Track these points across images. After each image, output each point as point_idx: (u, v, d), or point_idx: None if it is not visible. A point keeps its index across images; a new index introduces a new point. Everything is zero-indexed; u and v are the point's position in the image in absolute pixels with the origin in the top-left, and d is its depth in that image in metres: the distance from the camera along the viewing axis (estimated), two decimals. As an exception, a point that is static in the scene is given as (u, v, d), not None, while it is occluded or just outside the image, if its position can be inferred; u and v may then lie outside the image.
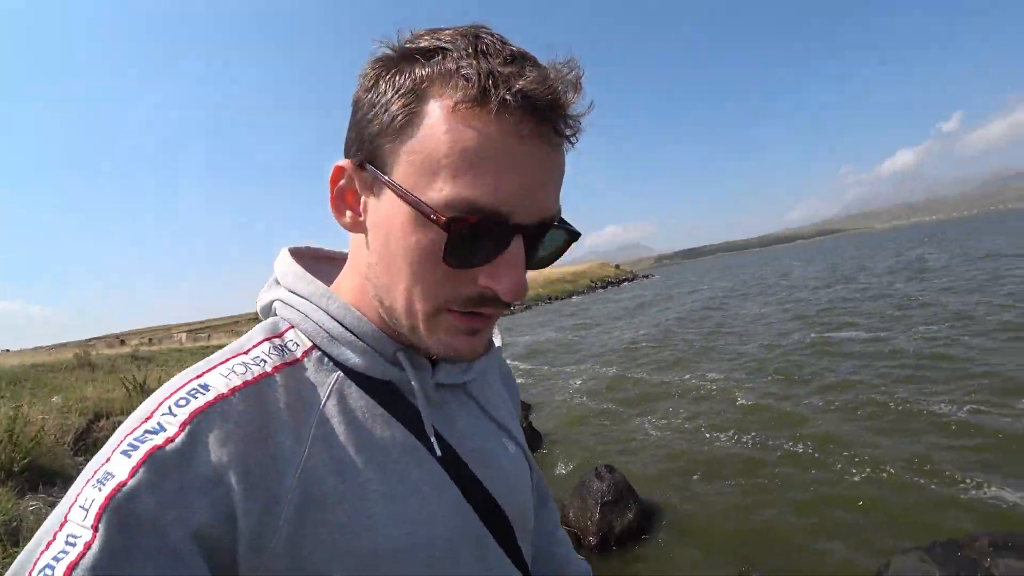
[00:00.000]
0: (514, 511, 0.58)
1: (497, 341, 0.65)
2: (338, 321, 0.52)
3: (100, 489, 0.38)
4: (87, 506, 0.38)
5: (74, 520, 0.37)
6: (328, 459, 0.46)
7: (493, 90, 0.42)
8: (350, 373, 0.51)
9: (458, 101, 0.43)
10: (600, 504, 4.16)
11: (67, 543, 0.36)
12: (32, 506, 3.59)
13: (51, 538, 0.38)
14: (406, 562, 0.46)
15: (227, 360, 0.48)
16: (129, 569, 0.36)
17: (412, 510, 0.48)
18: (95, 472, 0.40)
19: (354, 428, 0.49)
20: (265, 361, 0.49)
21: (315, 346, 0.52)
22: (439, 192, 0.43)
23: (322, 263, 0.63)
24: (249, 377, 0.47)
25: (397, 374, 0.52)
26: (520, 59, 0.45)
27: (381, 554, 0.45)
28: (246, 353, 0.49)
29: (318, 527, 0.44)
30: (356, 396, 0.50)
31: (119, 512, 0.37)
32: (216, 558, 0.39)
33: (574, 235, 0.51)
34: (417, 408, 0.52)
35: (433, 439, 0.51)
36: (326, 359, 0.52)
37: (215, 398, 0.44)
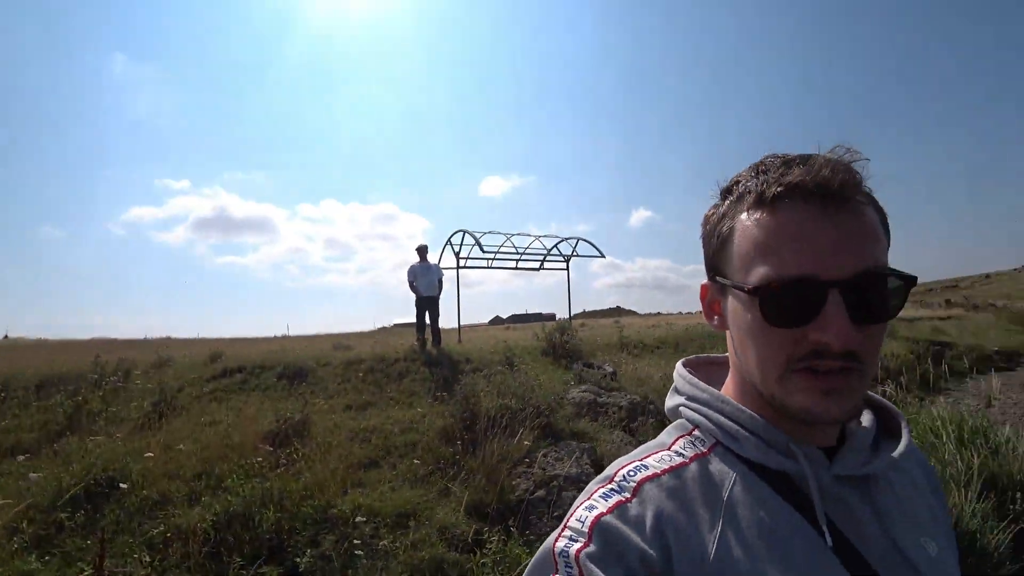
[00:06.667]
0: None
1: (902, 443, 0.66)
2: (734, 421, 0.62)
3: (589, 512, 0.57)
4: (583, 519, 0.56)
5: (573, 527, 0.56)
6: (735, 537, 0.55)
7: (767, 191, 0.56)
8: (749, 464, 0.60)
9: (748, 208, 0.58)
10: None
11: (571, 540, 0.55)
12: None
13: (561, 530, 0.57)
14: None
15: (657, 452, 0.64)
16: (603, 566, 0.52)
17: None
18: (584, 502, 0.59)
19: (755, 513, 0.57)
20: (683, 454, 0.63)
21: (719, 442, 0.63)
22: (753, 276, 0.56)
23: (710, 367, 0.76)
24: (674, 463, 0.61)
25: (792, 466, 0.59)
26: (790, 162, 0.57)
27: None
28: (669, 449, 0.64)
29: None
30: (756, 485, 0.59)
31: (601, 530, 0.55)
32: None
33: (907, 280, 0.56)
34: (811, 498, 0.58)
35: (825, 528, 0.56)
36: (729, 453, 0.61)
37: (653, 474, 0.60)
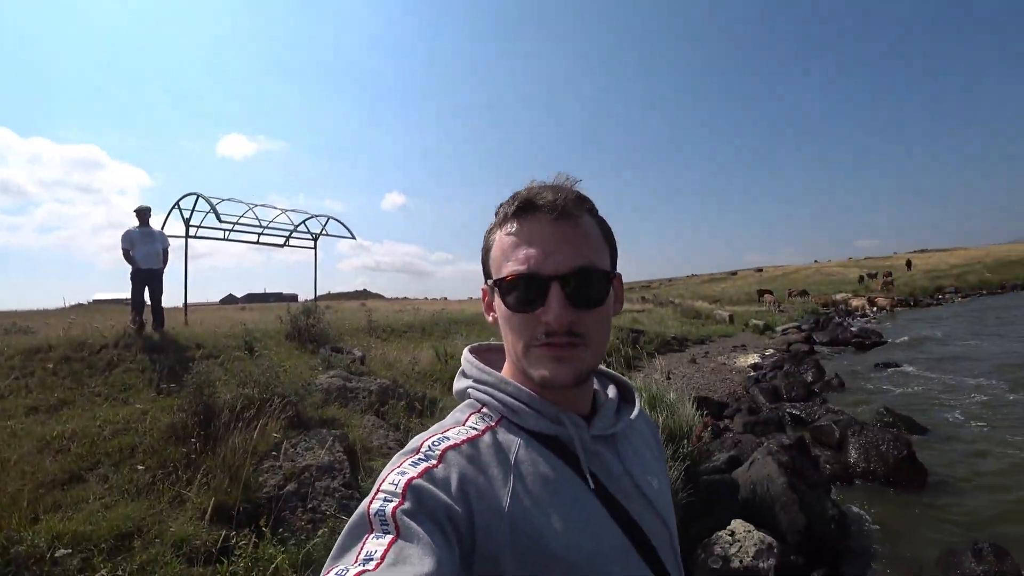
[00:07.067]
0: (654, 533, 0.75)
1: (636, 408, 0.86)
2: (514, 398, 0.75)
3: (401, 476, 0.63)
4: (396, 483, 0.62)
5: (386, 490, 0.61)
6: (523, 490, 0.68)
7: (509, 210, 0.74)
8: (529, 432, 0.74)
9: (501, 225, 0.75)
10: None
11: (385, 500, 0.60)
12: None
13: (374, 494, 0.62)
14: (572, 563, 0.65)
15: (454, 427, 0.74)
16: (417, 520, 0.58)
17: (578, 528, 0.67)
18: (394, 469, 0.65)
19: (536, 470, 0.70)
20: (476, 427, 0.74)
21: (503, 416, 0.76)
22: (501, 274, 0.73)
23: (490, 353, 0.88)
24: (470, 435, 0.72)
25: (561, 431, 0.74)
26: (536, 187, 0.75)
27: (557, 556, 0.65)
28: (464, 424, 0.75)
29: (524, 535, 0.65)
30: (536, 448, 0.73)
31: (414, 490, 0.61)
32: (459, 532, 0.61)
33: (607, 275, 0.74)
34: (577, 454, 0.73)
35: (588, 477, 0.72)
36: (512, 424, 0.75)
37: (454, 444, 0.70)
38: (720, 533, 3.81)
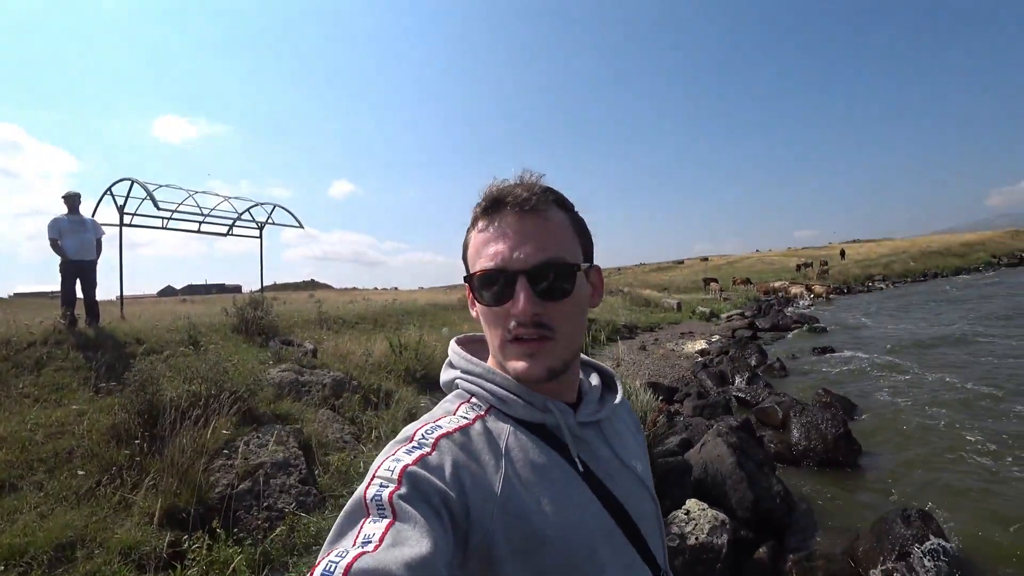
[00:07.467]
0: (637, 513, 0.79)
1: (618, 395, 0.90)
2: (502, 387, 0.77)
3: (396, 463, 0.64)
4: (391, 469, 0.63)
5: (382, 476, 0.62)
6: (514, 475, 0.71)
7: (478, 209, 0.77)
8: (517, 420, 0.76)
9: (474, 223, 0.79)
10: (898, 553, 3.62)
11: (381, 486, 0.61)
12: (423, 403, 5.55)
13: (370, 481, 0.62)
14: (562, 545, 0.68)
15: (446, 415, 0.76)
16: (414, 504, 0.59)
17: (567, 510, 0.70)
18: (388, 457, 0.66)
19: (526, 456, 0.73)
20: (466, 416, 0.76)
21: (492, 406, 0.78)
22: (473, 271, 0.77)
23: (475, 344, 0.90)
24: (461, 423, 0.74)
25: (549, 419, 0.77)
26: (503, 184, 0.77)
27: (547, 538, 0.67)
28: (454, 413, 0.77)
29: (515, 518, 0.67)
30: (525, 436, 0.75)
31: (410, 476, 0.62)
32: (454, 516, 0.63)
33: (576, 267, 0.76)
34: (564, 441, 0.76)
35: (577, 461, 0.75)
36: (501, 413, 0.77)
37: (446, 432, 0.71)
38: (676, 512, 3.95)
